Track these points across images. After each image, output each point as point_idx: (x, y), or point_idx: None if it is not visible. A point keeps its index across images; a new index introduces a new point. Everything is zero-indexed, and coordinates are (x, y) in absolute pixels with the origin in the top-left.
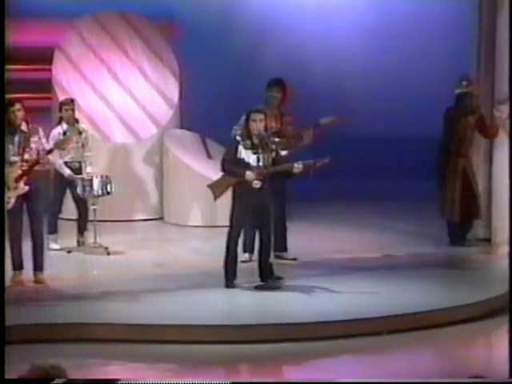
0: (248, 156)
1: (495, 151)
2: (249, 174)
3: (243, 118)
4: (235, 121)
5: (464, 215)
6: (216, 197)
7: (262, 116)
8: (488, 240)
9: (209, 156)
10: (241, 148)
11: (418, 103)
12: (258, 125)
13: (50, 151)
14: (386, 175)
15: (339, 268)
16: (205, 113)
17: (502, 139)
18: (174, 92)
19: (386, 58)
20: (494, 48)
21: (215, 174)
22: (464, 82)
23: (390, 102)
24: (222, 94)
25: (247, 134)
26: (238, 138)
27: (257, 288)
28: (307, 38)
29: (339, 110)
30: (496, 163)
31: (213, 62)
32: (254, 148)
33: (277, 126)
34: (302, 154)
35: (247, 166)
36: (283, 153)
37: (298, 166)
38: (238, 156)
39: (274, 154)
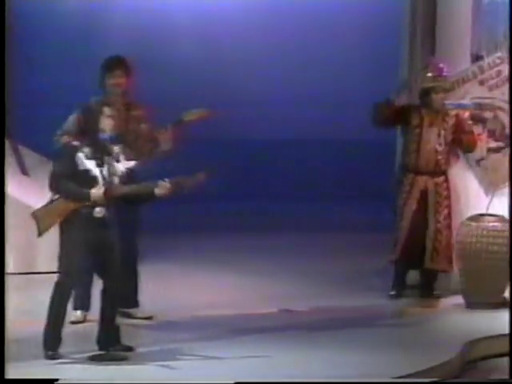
0: (91, 168)
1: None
2: (94, 193)
3: (73, 117)
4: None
5: (413, 259)
6: (42, 231)
7: (109, 111)
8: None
9: (24, 171)
10: (81, 157)
11: (327, 104)
12: (106, 123)
13: None
14: (288, 194)
15: (215, 330)
16: (20, 108)
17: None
18: None
19: (292, 51)
20: (432, 33)
21: (37, 199)
22: (429, 74)
23: (294, 102)
24: (50, 78)
25: (90, 138)
26: (76, 143)
27: (92, 360)
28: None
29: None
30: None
31: (42, 28)
32: (96, 158)
33: (121, 126)
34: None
35: (93, 181)
36: (129, 164)
37: (164, 185)
38: (79, 168)
39: (120, 166)
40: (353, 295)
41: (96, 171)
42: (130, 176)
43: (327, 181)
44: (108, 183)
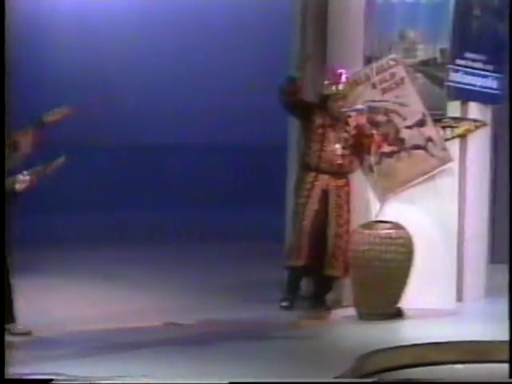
0: None
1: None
2: None
3: None
4: None
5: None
6: None
7: None
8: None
9: None
10: None
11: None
12: None
13: None
14: (172, 201)
15: (97, 345)
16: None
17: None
18: None
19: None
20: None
21: None
22: (326, 82)
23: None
24: None
25: None
26: None
27: None
28: None
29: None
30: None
31: None
32: None
33: None
34: None
35: None
36: None
37: (23, 179)
38: None
39: None
40: (243, 307)
41: None
42: None
43: (213, 187)
44: None
